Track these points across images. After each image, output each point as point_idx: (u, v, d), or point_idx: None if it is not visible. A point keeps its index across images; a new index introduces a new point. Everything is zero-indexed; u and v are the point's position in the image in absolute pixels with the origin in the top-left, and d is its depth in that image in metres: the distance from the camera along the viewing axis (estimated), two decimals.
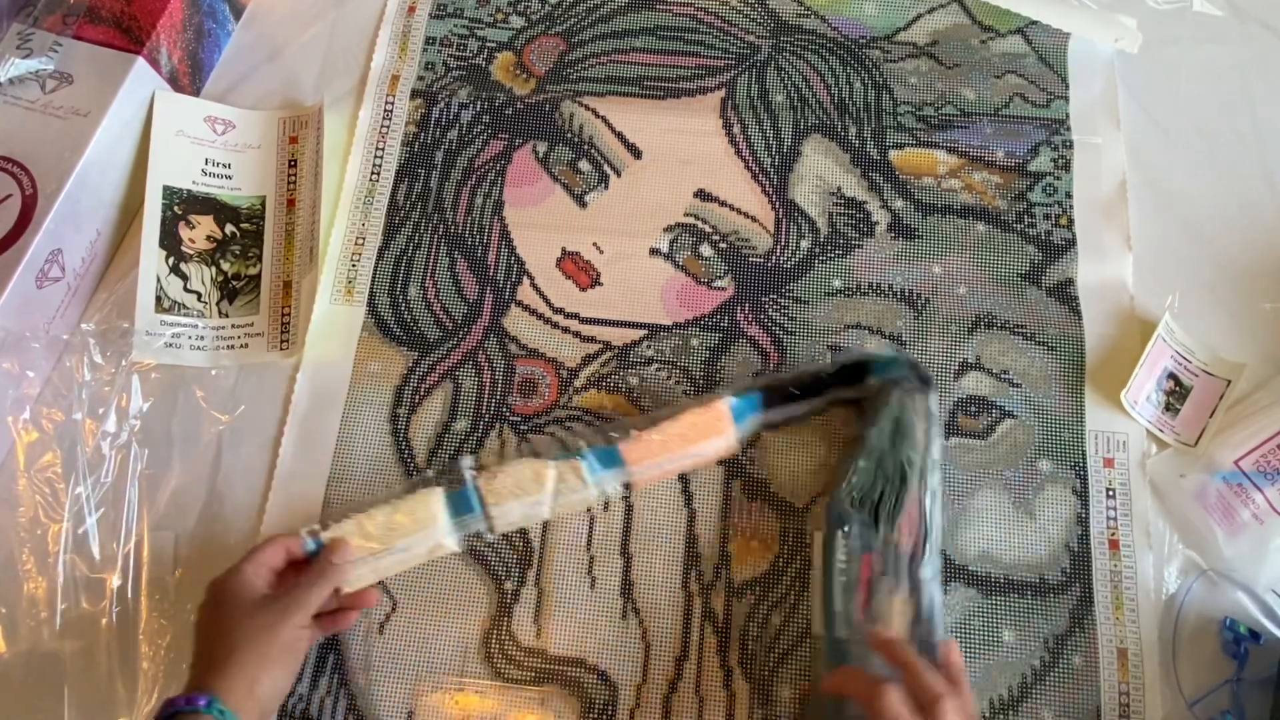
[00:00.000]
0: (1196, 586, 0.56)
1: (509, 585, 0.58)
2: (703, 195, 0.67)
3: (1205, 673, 0.54)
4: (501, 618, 0.57)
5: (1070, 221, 0.65)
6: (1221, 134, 0.68)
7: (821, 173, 0.67)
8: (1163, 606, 0.56)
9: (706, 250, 0.66)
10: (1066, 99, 0.69)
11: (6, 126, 0.62)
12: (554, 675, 0.56)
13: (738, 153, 0.68)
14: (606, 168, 0.68)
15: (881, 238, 0.65)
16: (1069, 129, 0.68)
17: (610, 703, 0.55)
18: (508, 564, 0.58)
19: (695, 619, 0.57)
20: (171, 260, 0.65)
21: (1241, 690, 0.53)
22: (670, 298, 0.65)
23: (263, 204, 0.69)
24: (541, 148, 0.69)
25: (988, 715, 0.54)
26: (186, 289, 0.65)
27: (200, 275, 0.66)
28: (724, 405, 0.57)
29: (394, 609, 0.57)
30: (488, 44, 0.73)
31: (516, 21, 0.74)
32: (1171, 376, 0.61)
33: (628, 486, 0.59)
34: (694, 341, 0.63)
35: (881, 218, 0.66)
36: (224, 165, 0.68)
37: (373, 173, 0.69)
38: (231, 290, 0.66)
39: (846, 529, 0.53)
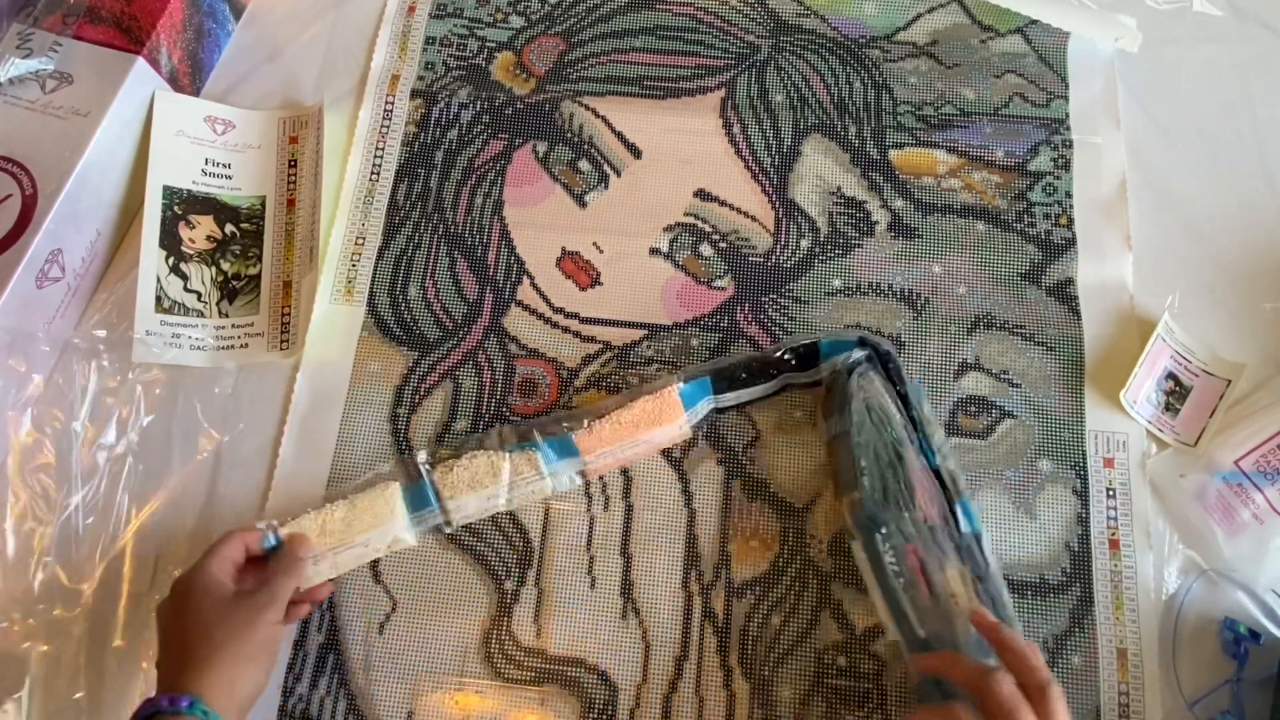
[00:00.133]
0: (1196, 586, 0.56)
1: (509, 585, 0.58)
2: (703, 195, 0.67)
3: (1205, 673, 0.54)
4: (501, 618, 0.57)
5: (1070, 221, 0.65)
6: (1221, 134, 0.68)
7: (821, 172, 0.67)
8: (1163, 606, 0.56)
9: (706, 250, 0.66)
10: (1066, 98, 0.69)
11: (6, 126, 0.62)
12: (554, 675, 0.56)
13: (738, 152, 0.68)
14: (606, 167, 0.68)
15: (881, 237, 0.65)
16: (1069, 128, 0.68)
17: (610, 703, 0.55)
18: (508, 564, 0.58)
19: (695, 619, 0.57)
20: (171, 260, 0.65)
21: (1241, 690, 0.53)
22: (670, 297, 0.65)
23: (263, 204, 0.69)
24: (541, 147, 0.69)
25: None
26: (186, 289, 0.65)
27: (200, 275, 0.66)
28: (674, 392, 0.57)
29: (394, 609, 0.57)
30: (488, 44, 0.73)
31: (516, 21, 0.74)
32: (1171, 376, 0.61)
33: (584, 476, 0.59)
34: (694, 341, 0.63)
35: (881, 217, 0.66)
36: (224, 165, 0.68)
37: (373, 173, 0.69)
38: (231, 290, 0.66)
39: (884, 530, 0.53)
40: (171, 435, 0.62)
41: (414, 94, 0.71)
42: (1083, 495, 0.58)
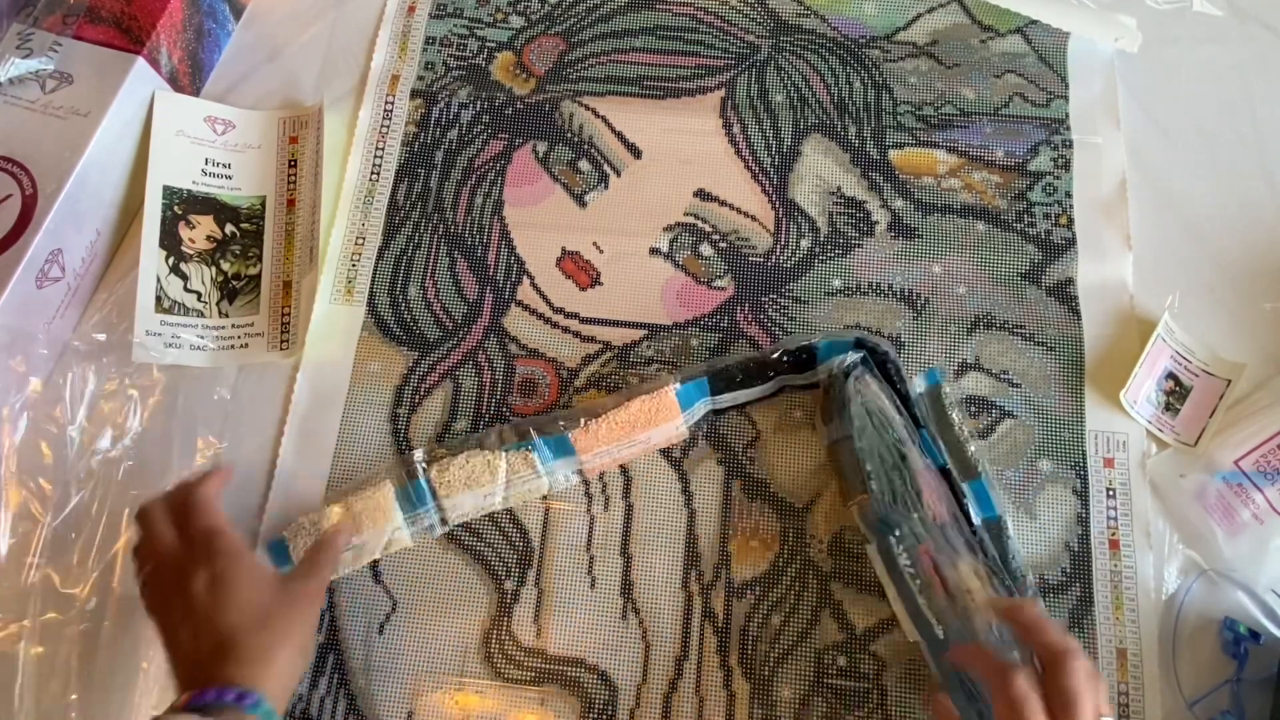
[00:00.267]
0: (1196, 586, 0.56)
1: (509, 585, 0.58)
2: (703, 195, 0.67)
3: (1205, 673, 0.54)
4: (501, 618, 0.57)
5: (1070, 221, 0.65)
6: (1221, 134, 0.68)
7: (821, 172, 0.67)
8: (1163, 606, 0.56)
9: (706, 250, 0.66)
10: (1066, 98, 0.69)
11: (6, 126, 0.62)
12: (554, 675, 0.56)
13: (737, 152, 0.68)
14: (606, 167, 0.68)
15: (881, 237, 0.65)
16: (1069, 128, 0.68)
17: (610, 703, 0.55)
18: (508, 564, 0.58)
19: (695, 619, 0.57)
20: (171, 260, 0.65)
21: (1241, 690, 0.53)
22: (670, 297, 0.65)
23: (263, 204, 0.69)
24: (541, 147, 0.69)
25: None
26: (186, 289, 0.65)
27: (200, 275, 0.66)
28: (671, 392, 0.57)
29: (394, 609, 0.57)
30: (488, 44, 0.73)
31: (516, 21, 0.74)
32: (1171, 376, 0.61)
33: (581, 475, 0.59)
34: (694, 341, 0.63)
35: (881, 217, 0.66)
36: (224, 165, 0.68)
37: (373, 173, 0.69)
38: (231, 290, 0.66)
39: (897, 533, 0.53)
40: (171, 436, 0.62)
41: (414, 94, 0.71)
42: (1083, 495, 0.58)
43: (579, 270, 0.66)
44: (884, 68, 0.70)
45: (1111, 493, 0.58)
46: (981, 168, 0.67)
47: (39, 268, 0.60)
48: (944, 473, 0.56)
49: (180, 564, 0.48)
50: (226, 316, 0.65)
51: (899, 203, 0.66)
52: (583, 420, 0.57)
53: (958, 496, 0.55)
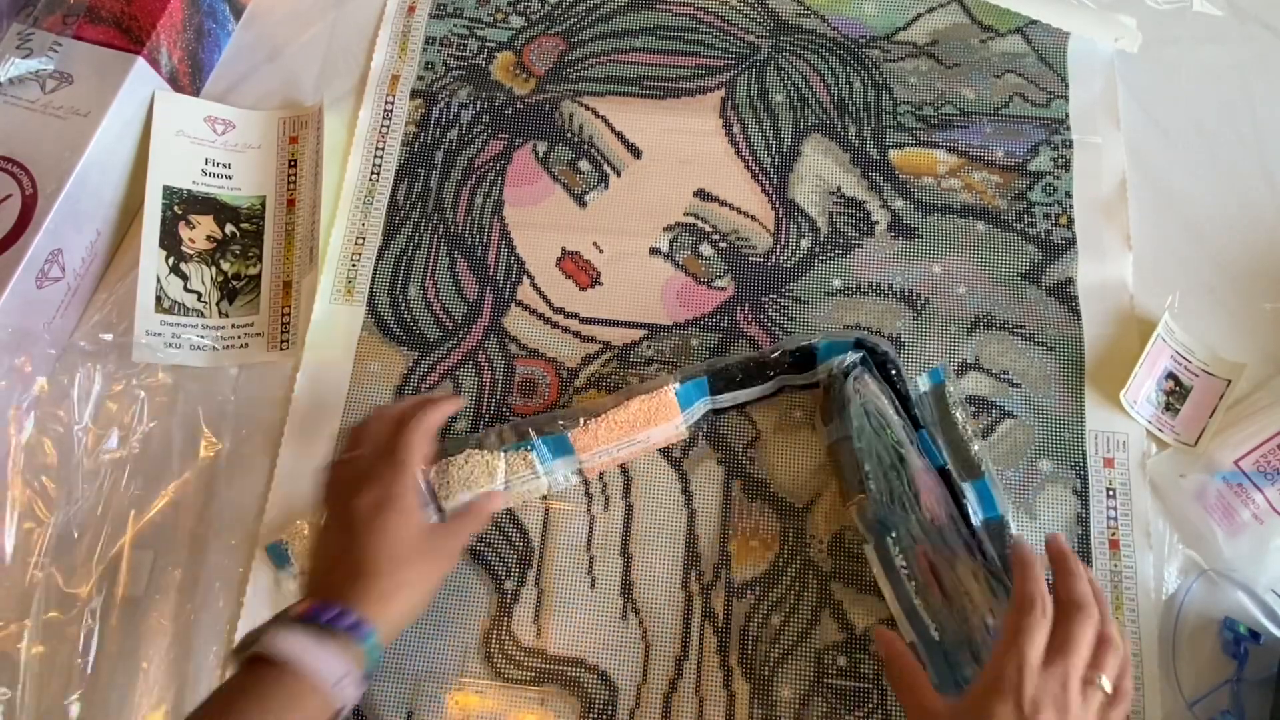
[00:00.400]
0: (1196, 586, 0.56)
1: (509, 585, 0.58)
2: (703, 195, 0.67)
3: (1205, 673, 0.54)
4: (501, 618, 0.57)
5: (1070, 221, 0.65)
6: (1221, 134, 0.68)
7: (821, 172, 0.67)
8: (1163, 606, 0.56)
9: (706, 250, 0.66)
10: (1066, 98, 0.69)
11: (6, 126, 0.62)
12: (554, 675, 0.56)
13: (737, 152, 0.68)
14: (606, 167, 0.68)
15: (881, 237, 0.65)
16: (1069, 128, 0.68)
17: (610, 703, 0.55)
18: (508, 564, 0.58)
19: (695, 619, 0.57)
20: (171, 260, 0.66)
21: (1241, 690, 0.53)
22: (670, 297, 0.65)
23: (263, 204, 0.69)
24: (541, 147, 0.69)
25: None
26: (186, 289, 0.65)
27: (200, 275, 0.66)
28: (670, 391, 0.57)
29: None
30: (487, 44, 0.73)
31: (516, 21, 0.74)
32: (1171, 376, 0.61)
33: (580, 474, 0.59)
34: (694, 341, 0.63)
35: (881, 217, 0.66)
36: (224, 165, 0.68)
37: (373, 173, 0.69)
38: (231, 290, 0.66)
39: (894, 534, 0.53)
40: (171, 436, 0.62)
41: (414, 94, 0.71)
42: (1083, 495, 0.58)
43: (579, 270, 0.66)
44: (884, 68, 0.70)
45: (1111, 493, 0.58)
46: (981, 168, 0.67)
47: (39, 268, 0.60)
48: (943, 474, 0.56)
49: (364, 470, 0.50)
50: (226, 316, 0.65)
51: (899, 203, 0.66)
52: (582, 420, 0.57)
53: (957, 498, 0.55)
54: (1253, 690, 0.53)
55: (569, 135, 0.70)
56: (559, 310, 0.65)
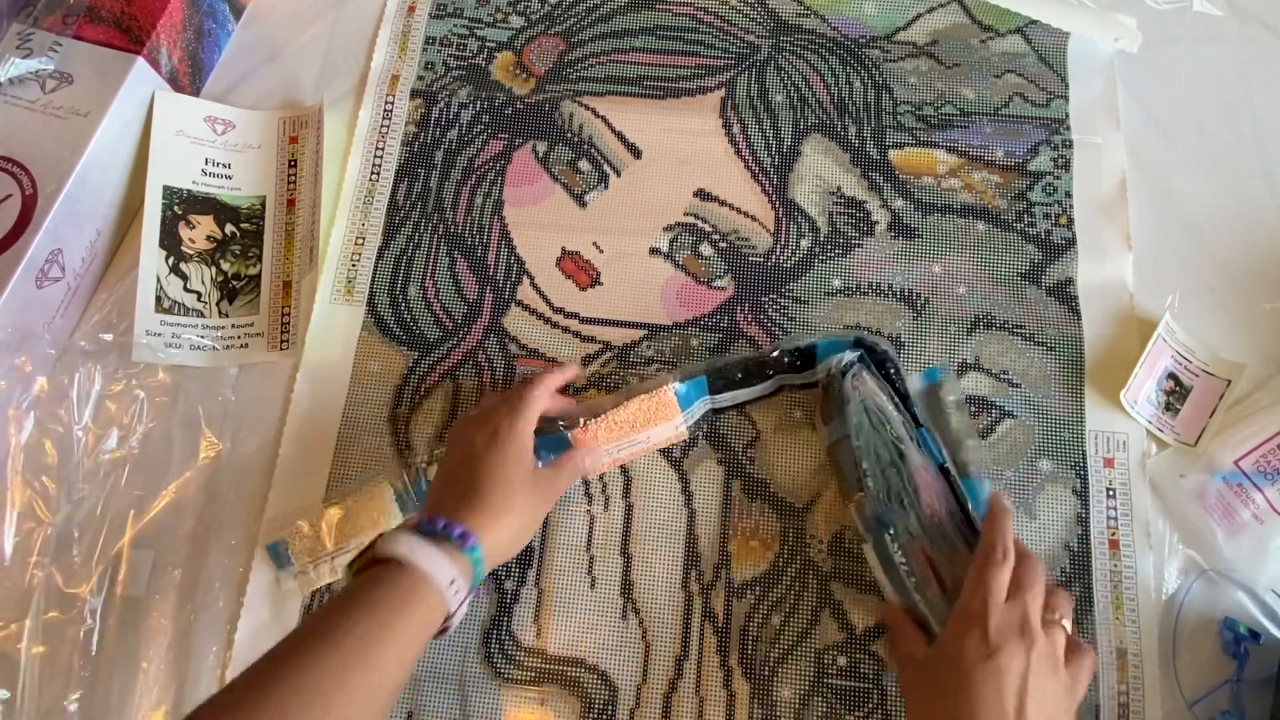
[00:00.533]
0: (1196, 586, 0.56)
1: (509, 585, 0.58)
2: (703, 195, 0.67)
3: (1205, 673, 0.54)
4: (501, 618, 0.57)
5: (1070, 221, 0.65)
6: (1221, 134, 0.68)
7: (821, 172, 0.67)
8: (1163, 606, 0.56)
9: (706, 250, 0.66)
10: (1066, 98, 0.69)
11: (6, 126, 0.62)
12: (554, 675, 0.56)
13: (737, 152, 0.68)
14: (606, 167, 0.68)
15: (881, 237, 0.65)
16: (1069, 128, 0.68)
17: (610, 703, 0.55)
18: (508, 564, 0.58)
19: (695, 619, 0.57)
20: (171, 260, 0.66)
21: (1241, 690, 0.53)
22: (670, 297, 0.65)
23: (263, 204, 0.69)
24: (541, 147, 0.69)
25: None
26: (186, 289, 0.65)
27: (200, 275, 0.66)
28: (670, 391, 0.57)
29: None
30: (487, 44, 0.73)
31: (516, 21, 0.74)
32: (1171, 376, 0.61)
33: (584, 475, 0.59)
34: (694, 341, 0.63)
35: (881, 217, 0.66)
36: (224, 165, 0.68)
37: (373, 173, 0.69)
38: (231, 290, 0.66)
39: (892, 531, 0.53)
40: (171, 436, 0.62)
41: (414, 94, 0.71)
42: (1082, 495, 0.58)
43: (579, 270, 0.66)
44: (884, 68, 0.70)
45: (1111, 493, 0.58)
46: (981, 168, 0.67)
47: (39, 268, 0.60)
48: (943, 471, 0.56)
49: (485, 414, 0.54)
50: (226, 316, 0.65)
51: (899, 203, 0.66)
52: (582, 420, 0.57)
53: (957, 494, 0.55)
54: (1253, 690, 0.53)
55: (569, 135, 0.70)
56: (559, 310, 0.65)
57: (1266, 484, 0.56)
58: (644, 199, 0.67)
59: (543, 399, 0.55)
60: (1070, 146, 0.67)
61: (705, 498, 0.59)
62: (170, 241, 0.66)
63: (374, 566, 0.46)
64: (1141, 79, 0.70)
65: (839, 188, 0.67)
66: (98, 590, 0.58)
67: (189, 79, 0.71)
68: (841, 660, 0.55)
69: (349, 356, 0.64)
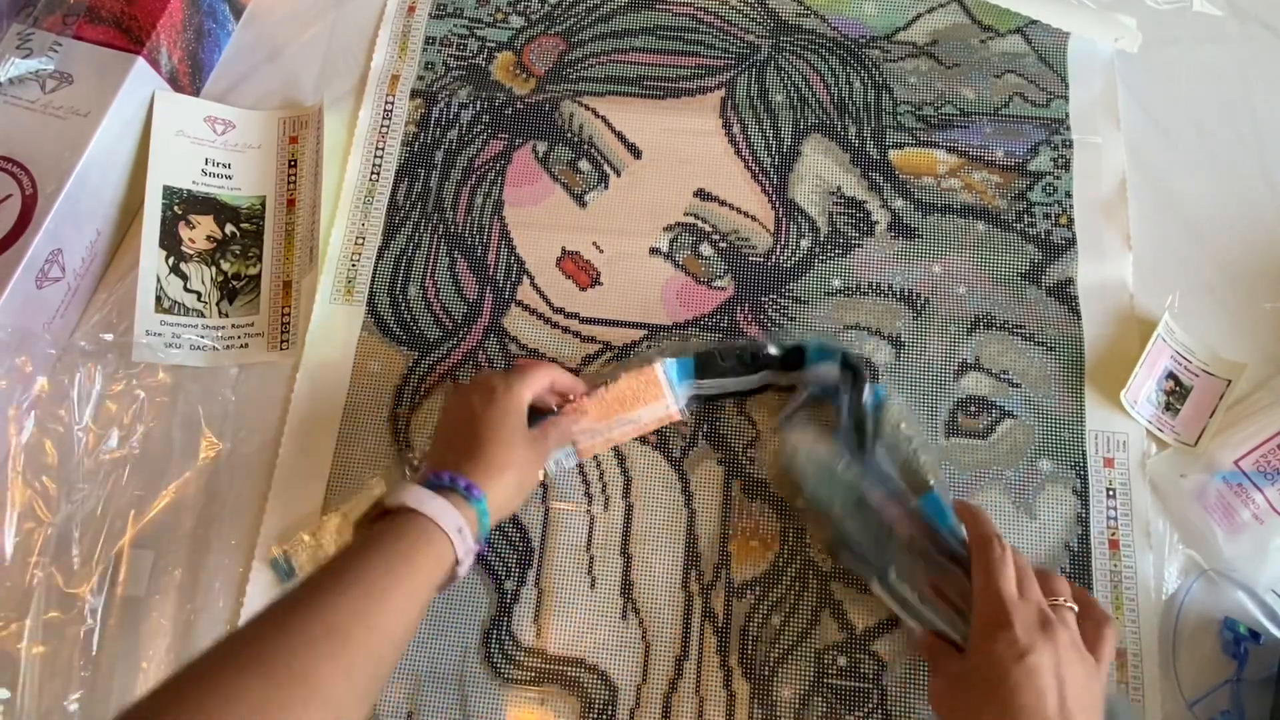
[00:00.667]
0: (1196, 586, 0.56)
1: (509, 585, 0.58)
2: (703, 195, 0.67)
3: (1205, 673, 0.54)
4: (501, 618, 0.57)
5: (1070, 221, 0.65)
6: (1221, 134, 0.68)
7: (821, 172, 0.67)
8: (1163, 606, 0.56)
9: (706, 250, 0.66)
10: (1066, 98, 0.69)
11: (6, 126, 0.62)
12: (554, 675, 0.56)
13: (737, 152, 0.68)
14: (606, 167, 0.68)
15: (881, 237, 0.65)
16: (1069, 128, 0.68)
17: (610, 703, 0.55)
18: (508, 564, 0.58)
19: (695, 619, 0.57)
20: (171, 260, 0.66)
21: (1241, 690, 0.53)
22: (670, 297, 0.65)
23: (263, 204, 0.69)
24: (541, 147, 0.69)
25: None
26: (186, 289, 0.65)
27: (200, 275, 0.66)
28: (659, 369, 0.57)
29: None
30: (487, 44, 0.73)
31: (516, 21, 0.74)
32: (1171, 376, 0.61)
33: (575, 456, 0.59)
34: (694, 341, 0.63)
35: (881, 217, 0.66)
36: (224, 165, 0.68)
37: (373, 173, 0.69)
38: (231, 290, 0.66)
39: (893, 572, 0.52)
40: (171, 436, 0.62)
41: (414, 94, 0.71)
42: (1083, 495, 0.58)
43: (579, 270, 0.66)
44: (884, 68, 0.70)
45: (1111, 493, 0.58)
46: (981, 168, 0.67)
47: (39, 268, 0.60)
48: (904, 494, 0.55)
49: (481, 382, 0.55)
50: (226, 316, 0.65)
51: (899, 203, 0.66)
52: (571, 397, 0.57)
53: (926, 519, 0.54)
54: (1253, 690, 0.53)
55: (569, 135, 0.70)
56: (559, 310, 0.65)
57: (1266, 484, 0.56)
58: (644, 199, 0.68)
59: (541, 378, 0.55)
60: (1070, 146, 0.67)
61: (705, 498, 0.59)
62: (170, 241, 0.66)
63: (382, 520, 0.47)
64: (1141, 79, 0.70)
65: (839, 188, 0.67)
66: (98, 590, 0.58)
67: (189, 79, 0.71)
68: (841, 660, 0.55)
69: (349, 356, 0.64)
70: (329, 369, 0.63)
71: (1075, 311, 0.63)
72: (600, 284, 0.65)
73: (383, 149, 0.70)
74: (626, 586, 0.58)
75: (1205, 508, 0.57)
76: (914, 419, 0.59)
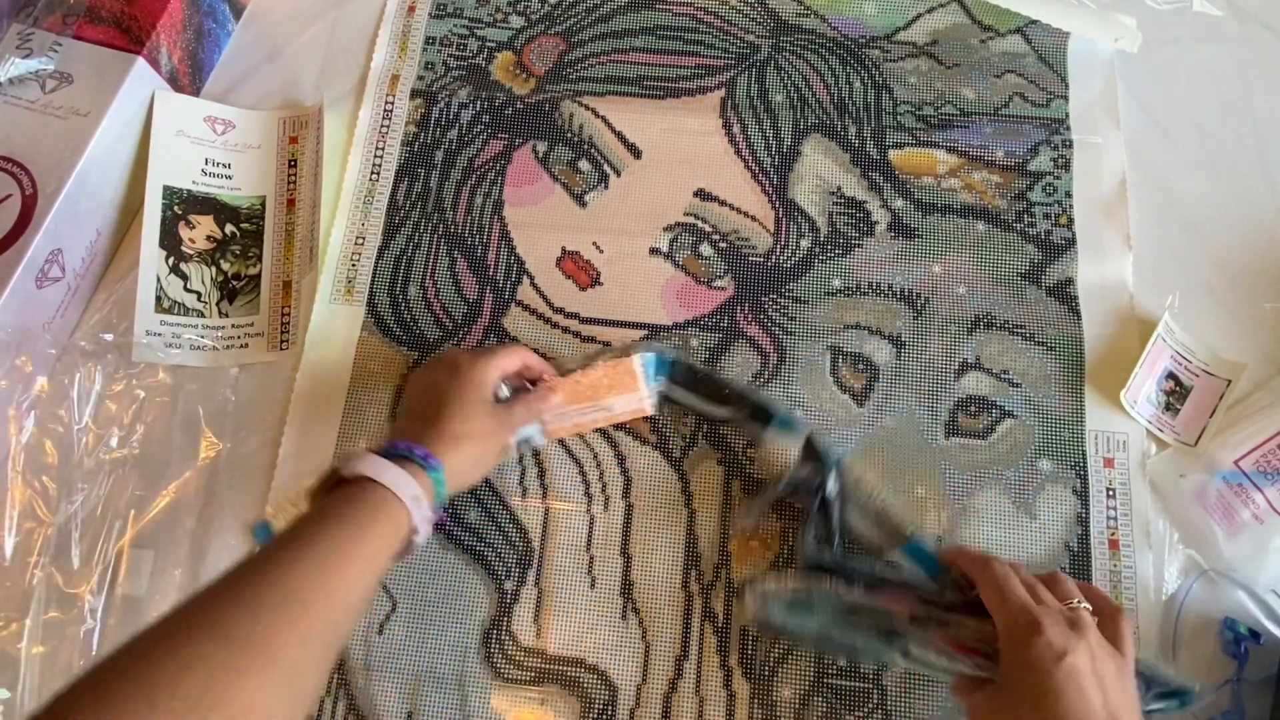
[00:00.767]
0: (1196, 586, 0.56)
1: (509, 585, 0.58)
2: (702, 195, 0.67)
3: (1205, 673, 0.54)
4: (501, 618, 0.57)
5: (1070, 221, 0.65)
6: (1221, 134, 0.68)
7: (821, 172, 0.67)
8: (1163, 606, 0.56)
9: (706, 250, 0.66)
10: (1066, 98, 0.69)
11: (6, 126, 0.62)
12: (554, 675, 0.56)
13: (737, 152, 0.68)
14: (606, 167, 0.68)
15: (881, 237, 0.65)
16: (1069, 128, 0.68)
17: (610, 703, 0.55)
18: (508, 564, 0.58)
19: (695, 619, 0.57)
20: (171, 260, 0.66)
21: (1241, 690, 0.53)
22: (670, 297, 0.65)
23: (263, 204, 0.69)
24: (541, 147, 0.69)
25: None
26: (186, 289, 0.65)
27: (200, 275, 0.66)
28: (637, 362, 0.58)
29: (393, 609, 0.57)
30: (487, 44, 0.73)
31: (516, 21, 0.74)
32: (1171, 376, 0.61)
33: (543, 435, 0.59)
34: (694, 341, 0.63)
35: (881, 217, 0.66)
36: (224, 165, 0.68)
37: (373, 172, 0.69)
38: (231, 290, 0.66)
39: (910, 650, 0.50)
40: (171, 436, 0.62)
41: (414, 94, 0.71)
42: (1083, 495, 0.58)
43: (579, 270, 0.66)
44: (884, 68, 0.70)
45: (1111, 493, 0.58)
46: (981, 168, 0.67)
47: (39, 268, 0.60)
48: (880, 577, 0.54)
49: (447, 357, 0.55)
50: (226, 316, 0.65)
51: (899, 203, 0.66)
52: (546, 375, 0.57)
53: (909, 582, 0.53)
54: (1253, 690, 0.53)
55: (569, 135, 0.70)
56: (559, 310, 0.65)
57: (1266, 484, 0.56)
58: (644, 199, 0.68)
59: (511, 359, 0.55)
60: (1070, 146, 0.67)
61: (705, 498, 0.59)
62: (170, 241, 0.66)
63: (339, 489, 0.47)
64: (1141, 79, 0.70)
65: (839, 188, 0.67)
66: (98, 590, 0.58)
67: (189, 79, 0.71)
68: (841, 660, 0.55)
69: (349, 356, 0.64)
70: (329, 369, 0.63)
71: (1075, 311, 0.63)
72: (600, 284, 0.65)
73: (383, 149, 0.70)
74: (626, 586, 0.58)
75: (1205, 508, 0.57)
76: (873, 477, 0.58)
